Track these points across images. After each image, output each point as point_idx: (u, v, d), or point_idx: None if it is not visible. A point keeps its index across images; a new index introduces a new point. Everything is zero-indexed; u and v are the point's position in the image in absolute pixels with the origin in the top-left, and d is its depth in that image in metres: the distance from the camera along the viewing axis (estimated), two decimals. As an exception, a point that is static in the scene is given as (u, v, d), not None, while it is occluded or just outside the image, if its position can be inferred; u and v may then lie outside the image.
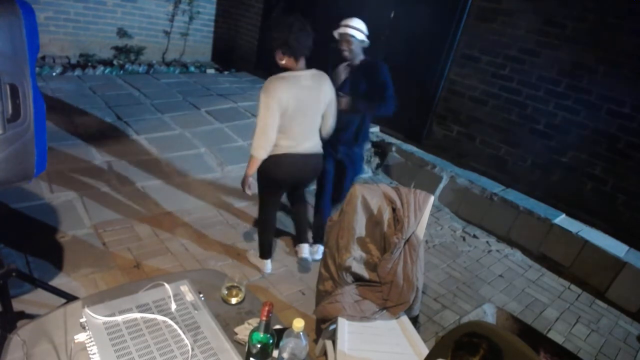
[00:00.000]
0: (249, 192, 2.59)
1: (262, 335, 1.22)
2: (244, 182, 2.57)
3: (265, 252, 2.90)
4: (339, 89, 2.83)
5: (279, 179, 2.61)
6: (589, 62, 3.90)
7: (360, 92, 2.87)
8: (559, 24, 4.02)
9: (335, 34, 2.90)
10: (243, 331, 1.43)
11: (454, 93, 4.85)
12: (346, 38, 2.83)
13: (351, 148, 3.08)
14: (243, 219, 3.50)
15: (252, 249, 3.06)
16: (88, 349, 1.23)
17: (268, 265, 2.93)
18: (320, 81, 2.50)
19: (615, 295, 3.47)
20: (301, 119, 2.47)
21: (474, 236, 4.06)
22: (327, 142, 2.79)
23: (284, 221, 3.58)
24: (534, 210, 3.94)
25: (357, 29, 2.83)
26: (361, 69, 2.91)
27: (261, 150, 2.41)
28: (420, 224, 2.29)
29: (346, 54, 2.88)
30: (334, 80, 2.74)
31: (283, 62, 2.40)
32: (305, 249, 3.05)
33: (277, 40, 2.34)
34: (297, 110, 2.40)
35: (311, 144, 2.59)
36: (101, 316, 1.32)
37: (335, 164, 3.10)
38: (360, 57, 2.92)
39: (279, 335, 1.27)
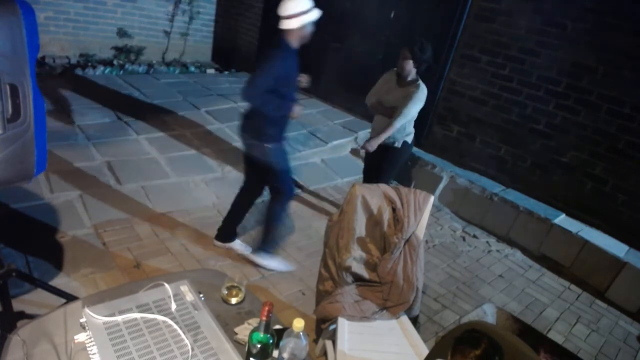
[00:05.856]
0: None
1: (262, 335, 1.22)
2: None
3: None
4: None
5: None
6: (589, 62, 3.90)
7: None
8: (559, 24, 4.02)
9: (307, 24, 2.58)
10: (243, 331, 1.43)
11: (454, 93, 4.85)
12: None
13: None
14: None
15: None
16: (88, 349, 1.23)
17: None
18: None
19: (615, 295, 3.48)
20: None
21: (474, 236, 4.06)
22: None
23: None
24: (534, 210, 3.94)
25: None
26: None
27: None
28: (420, 224, 2.29)
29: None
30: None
31: (414, 70, 3.14)
32: None
33: (426, 58, 3.10)
34: None
35: None
36: (101, 316, 1.32)
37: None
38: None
39: (279, 335, 1.27)
